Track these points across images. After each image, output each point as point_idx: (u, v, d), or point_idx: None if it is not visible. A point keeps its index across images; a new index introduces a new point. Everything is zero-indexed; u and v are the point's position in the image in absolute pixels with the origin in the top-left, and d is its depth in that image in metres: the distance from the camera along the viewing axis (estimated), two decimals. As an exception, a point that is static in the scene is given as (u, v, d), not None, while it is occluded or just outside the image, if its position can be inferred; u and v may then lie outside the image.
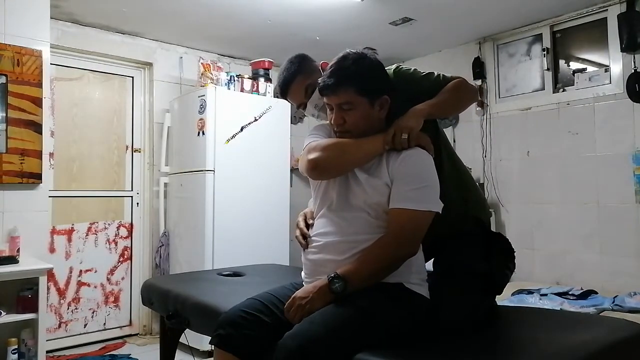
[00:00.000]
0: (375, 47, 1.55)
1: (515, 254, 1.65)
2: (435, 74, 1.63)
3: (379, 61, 1.51)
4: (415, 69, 1.64)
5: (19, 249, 2.70)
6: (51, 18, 3.03)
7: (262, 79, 3.91)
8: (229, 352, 1.35)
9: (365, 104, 1.44)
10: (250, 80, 3.82)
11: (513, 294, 3.08)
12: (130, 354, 3.42)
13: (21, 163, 2.80)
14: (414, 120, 1.45)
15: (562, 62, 3.66)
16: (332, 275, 1.34)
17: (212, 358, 1.52)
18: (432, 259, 1.64)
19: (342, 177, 1.48)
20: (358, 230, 1.41)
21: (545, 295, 3.01)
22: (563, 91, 3.58)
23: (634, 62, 3.14)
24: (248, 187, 3.59)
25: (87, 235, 3.70)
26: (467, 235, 1.61)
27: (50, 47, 3.01)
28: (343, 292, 1.32)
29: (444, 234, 1.54)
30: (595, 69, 3.45)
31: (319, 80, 1.49)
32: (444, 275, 1.55)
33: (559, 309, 2.66)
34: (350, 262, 1.37)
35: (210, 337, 1.41)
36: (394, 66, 1.63)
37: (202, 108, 3.47)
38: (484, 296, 1.56)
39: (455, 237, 1.59)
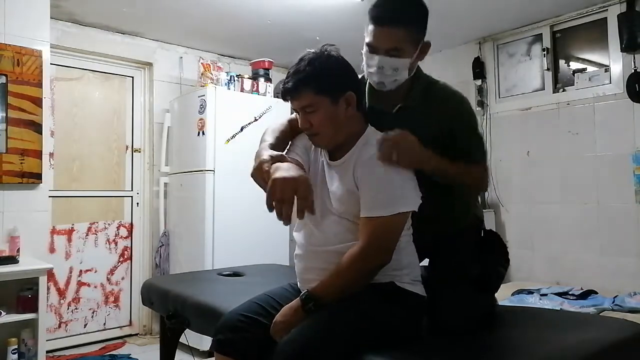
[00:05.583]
0: None
1: (507, 249, 1.65)
2: (482, 143, 1.57)
3: (339, 57, 1.44)
4: (475, 116, 1.59)
5: (19, 249, 2.70)
6: (51, 18, 3.03)
7: (262, 79, 3.90)
8: (229, 356, 1.34)
9: (327, 103, 1.38)
10: (250, 80, 3.81)
11: (513, 294, 3.08)
12: (130, 354, 3.42)
13: (21, 163, 2.80)
14: (423, 163, 1.40)
15: (562, 62, 3.66)
16: (304, 296, 1.32)
17: (213, 358, 1.52)
18: (428, 259, 1.64)
19: (319, 187, 1.46)
20: (339, 239, 1.39)
21: (545, 295, 3.01)
22: (563, 91, 3.57)
23: (634, 62, 3.14)
24: (248, 187, 3.50)
25: (87, 235, 3.70)
26: (464, 232, 1.61)
27: (50, 47, 3.01)
28: (317, 311, 1.30)
29: (445, 232, 1.54)
30: (595, 69, 3.45)
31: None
32: (439, 277, 1.55)
33: (559, 309, 2.66)
34: (322, 278, 1.34)
35: (210, 338, 1.42)
36: (464, 96, 1.58)
37: (202, 108, 3.47)
38: (480, 295, 1.56)
39: (454, 235, 1.58)
